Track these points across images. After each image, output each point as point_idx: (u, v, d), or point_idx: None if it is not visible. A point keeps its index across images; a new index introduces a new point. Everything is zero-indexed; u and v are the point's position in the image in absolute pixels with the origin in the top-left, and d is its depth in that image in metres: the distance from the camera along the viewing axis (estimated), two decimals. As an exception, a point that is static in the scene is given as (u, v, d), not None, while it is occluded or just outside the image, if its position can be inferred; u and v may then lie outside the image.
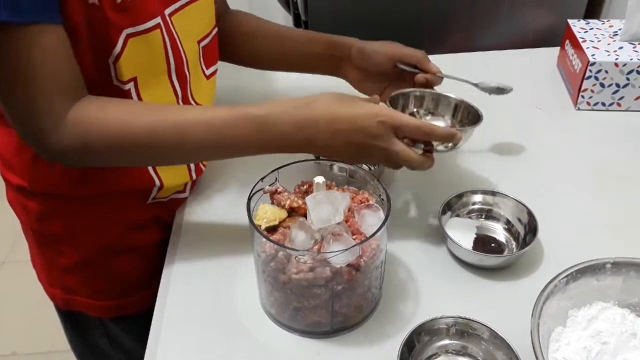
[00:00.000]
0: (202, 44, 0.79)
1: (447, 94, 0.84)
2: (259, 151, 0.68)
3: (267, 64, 0.96)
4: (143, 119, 0.66)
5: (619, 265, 0.65)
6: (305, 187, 0.70)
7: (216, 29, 0.83)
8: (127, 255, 0.83)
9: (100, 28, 0.63)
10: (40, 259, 0.86)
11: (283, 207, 0.67)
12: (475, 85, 0.88)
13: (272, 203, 0.68)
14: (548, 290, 0.62)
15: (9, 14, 0.55)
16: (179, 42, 0.73)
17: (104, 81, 0.67)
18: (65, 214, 0.78)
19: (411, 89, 0.84)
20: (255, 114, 0.66)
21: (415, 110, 0.85)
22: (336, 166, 0.71)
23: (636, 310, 0.65)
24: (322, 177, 0.66)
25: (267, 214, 0.65)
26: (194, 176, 0.83)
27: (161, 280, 0.75)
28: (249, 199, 0.66)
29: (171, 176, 0.80)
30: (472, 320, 0.64)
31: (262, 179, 0.68)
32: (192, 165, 0.82)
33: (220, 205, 0.86)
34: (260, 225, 0.64)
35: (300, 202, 0.66)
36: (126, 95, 0.69)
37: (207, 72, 0.82)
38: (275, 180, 0.69)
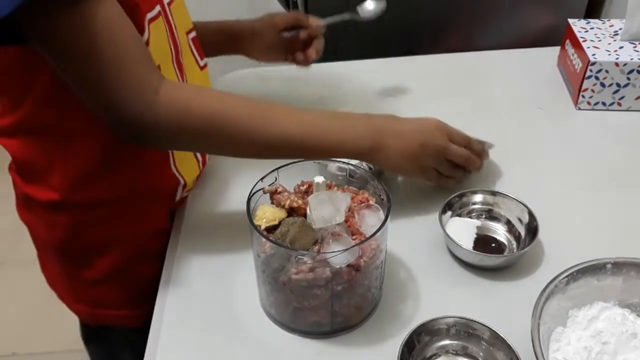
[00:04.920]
0: (190, 36, 0.80)
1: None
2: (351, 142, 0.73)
3: None
4: (240, 101, 0.68)
5: (619, 266, 0.64)
6: (305, 187, 0.70)
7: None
8: (151, 261, 0.81)
9: (131, 14, 0.63)
10: (63, 277, 0.83)
11: (283, 207, 0.66)
12: (354, 17, 0.97)
13: (272, 203, 0.68)
14: (548, 290, 0.62)
15: None
16: (175, 31, 0.74)
17: None
18: (97, 225, 0.77)
19: None
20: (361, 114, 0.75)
21: None
22: (335, 166, 0.71)
23: (637, 310, 0.65)
24: (322, 177, 0.66)
25: (267, 214, 0.65)
26: (201, 167, 0.86)
27: (161, 281, 0.75)
28: (249, 199, 0.66)
29: (189, 171, 0.81)
30: (473, 321, 0.64)
31: (261, 179, 0.68)
32: (199, 157, 0.83)
33: (219, 205, 0.86)
34: (259, 226, 0.64)
35: (300, 202, 0.66)
36: None
37: (201, 63, 0.83)
38: (275, 180, 0.68)
